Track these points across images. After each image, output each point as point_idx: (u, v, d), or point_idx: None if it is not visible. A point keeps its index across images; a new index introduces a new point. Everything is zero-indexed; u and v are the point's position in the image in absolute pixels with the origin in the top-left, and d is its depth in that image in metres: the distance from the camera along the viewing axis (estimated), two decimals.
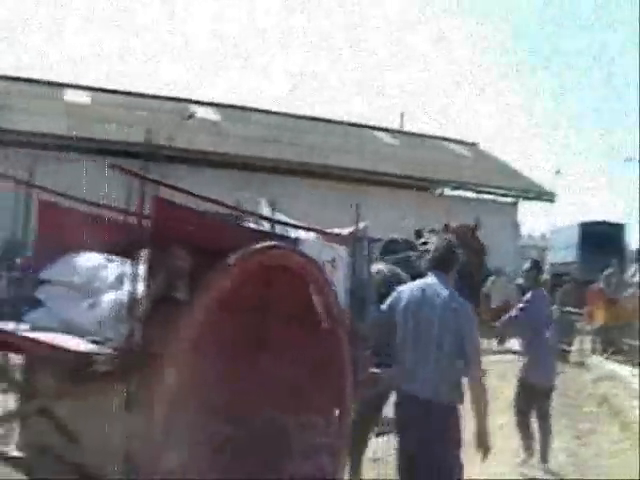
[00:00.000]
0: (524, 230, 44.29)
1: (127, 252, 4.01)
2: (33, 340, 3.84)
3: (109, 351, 3.59)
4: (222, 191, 20.40)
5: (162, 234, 3.73)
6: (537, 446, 8.15)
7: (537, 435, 8.19)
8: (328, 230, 5.30)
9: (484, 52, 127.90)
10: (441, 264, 5.26)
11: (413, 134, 33.43)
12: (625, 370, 13.37)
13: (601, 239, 27.79)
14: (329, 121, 30.98)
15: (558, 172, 42.99)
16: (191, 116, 22.00)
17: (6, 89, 23.56)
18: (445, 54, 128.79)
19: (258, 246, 4.11)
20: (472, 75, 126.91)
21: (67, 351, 3.61)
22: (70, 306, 4.30)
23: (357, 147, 27.10)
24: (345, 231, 5.48)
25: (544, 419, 8.16)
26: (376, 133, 31.54)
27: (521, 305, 8.40)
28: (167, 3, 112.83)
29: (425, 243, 6.75)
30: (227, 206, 4.44)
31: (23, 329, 4.03)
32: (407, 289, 5.25)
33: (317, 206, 22.71)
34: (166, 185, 3.98)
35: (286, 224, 4.85)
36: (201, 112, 25.93)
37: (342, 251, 5.15)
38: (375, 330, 5.25)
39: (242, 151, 23.30)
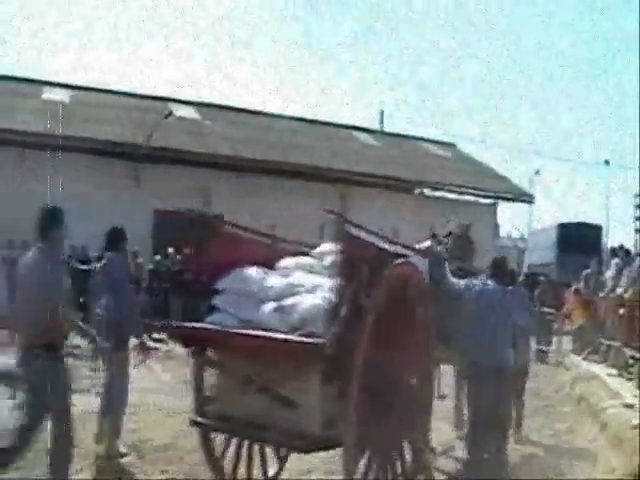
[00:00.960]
0: (503, 231, 44.59)
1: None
2: (259, 336, 5.26)
3: (322, 341, 4.90)
4: (199, 189, 20.49)
5: (349, 257, 5.26)
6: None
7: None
8: (414, 246, 7.04)
9: (462, 49, 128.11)
10: (497, 274, 7.19)
11: (393, 134, 33.54)
12: (603, 370, 13.49)
13: (579, 240, 28.08)
14: (309, 121, 31.05)
15: (537, 173, 43.12)
16: (169, 115, 21.96)
17: None
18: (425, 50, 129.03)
19: (396, 263, 5.76)
20: (450, 73, 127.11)
21: (297, 342, 5.06)
22: (249, 309, 5.64)
23: (337, 147, 27.18)
24: (424, 245, 7.36)
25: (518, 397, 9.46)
26: (356, 133, 31.61)
27: None
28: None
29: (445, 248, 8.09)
30: (374, 233, 5.88)
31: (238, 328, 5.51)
32: (477, 286, 7.06)
33: (297, 205, 22.83)
34: (350, 222, 5.43)
35: (395, 243, 6.36)
36: (180, 111, 25.90)
37: (424, 262, 6.72)
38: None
39: (221, 150, 23.35)
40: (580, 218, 36.81)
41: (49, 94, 25.03)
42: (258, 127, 26.96)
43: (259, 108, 30.60)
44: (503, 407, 6.96)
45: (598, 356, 15.01)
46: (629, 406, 9.97)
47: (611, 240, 32.22)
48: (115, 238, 7.54)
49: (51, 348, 5.44)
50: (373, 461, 5.54)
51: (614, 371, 13.06)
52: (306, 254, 6.37)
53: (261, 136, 25.74)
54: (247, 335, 5.33)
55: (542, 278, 18.80)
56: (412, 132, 35.36)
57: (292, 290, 5.62)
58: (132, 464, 7.13)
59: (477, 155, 33.60)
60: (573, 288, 17.76)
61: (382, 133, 34.07)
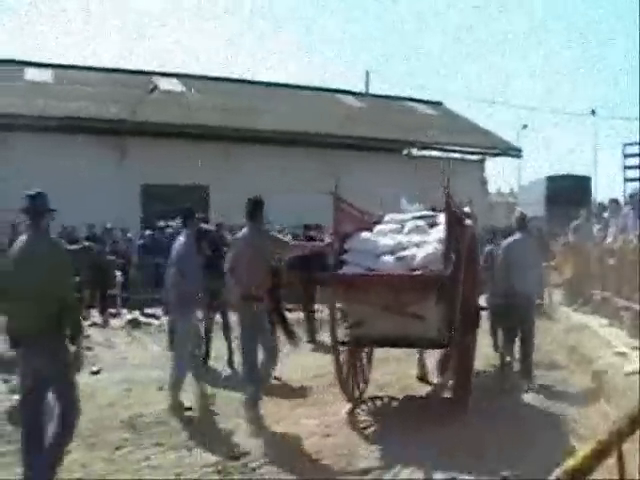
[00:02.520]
0: (492, 187, 44.60)
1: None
2: (395, 275, 8.04)
3: (444, 274, 7.67)
4: (190, 161, 20.40)
5: (453, 221, 8.10)
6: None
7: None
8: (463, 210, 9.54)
9: (445, 2, 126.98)
10: (523, 226, 10.49)
11: (379, 96, 33.37)
12: (594, 320, 13.56)
13: (568, 192, 28.08)
14: (295, 87, 30.93)
15: (524, 127, 43.06)
16: (154, 88, 21.82)
17: None
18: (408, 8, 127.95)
19: (469, 222, 8.82)
20: (434, 30, 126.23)
21: (429, 277, 7.82)
22: (370, 261, 8.24)
23: (324, 112, 27.03)
24: (466, 210, 9.58)
25: None
26: (342, 97, 31.50)
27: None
28: None
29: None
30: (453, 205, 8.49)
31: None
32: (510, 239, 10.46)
33: (287, 172, 22.82)
34: (451, 197, 8.14)
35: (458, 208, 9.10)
36: (164, 84, 25.74)
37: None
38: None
39: (208, 121, 23.20)
40: (569, 170, 36.91)
41: (32, 75, 24.88)
42: (243, 96, 26.82)
43: (243, 76, 30.46)
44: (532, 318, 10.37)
45: (589, 307, 15.08)
46: (621, 354, 10.08)
47: (600, 190, 32.27)
48: (186, 216, 8.76)
49: (260, 298, 8.06)
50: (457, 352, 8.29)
51: (605, 321, 13.14)
52: (378, 222, 9.19)
53: (246, 104, 25.60)
54: (394, 275, 8.05)
55: (534, 231, 18.82)
56: (399, 93, 35.25)
57: (402, 246, 8.36)
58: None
59: (464, 112, 33.51)
60: (563, 240, 17.80)
61: (367, 95, 33.94)
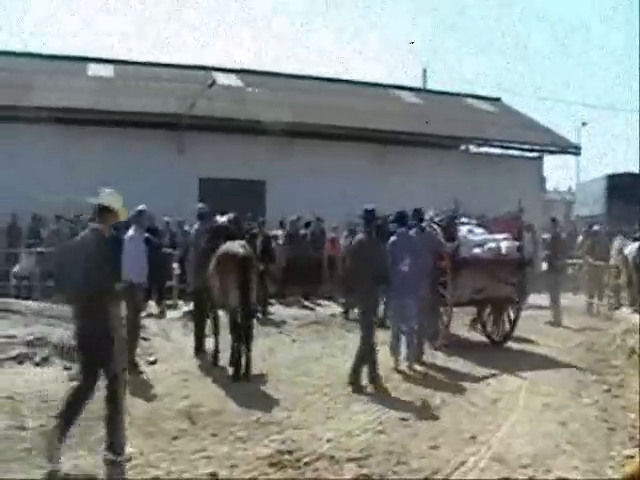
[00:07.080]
0: (550, 184, 43.88)
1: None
2: (503, 259, 12.60)
3: (523, 259, 13.01)
4: (247, 156, 20.50)
5: (521, 224, 13.41)
6: None
7: None
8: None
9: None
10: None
11: (436, 92, 33.19)
12: None
13: (629, 191, 27.47)
14: (351, 82, 30.87)
15: (584, 124, 42.27)
16: (212, 84, 21.94)
17: (29, 66, 23.74)
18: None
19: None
20: (489, 26, 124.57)
21: (517, 260, 12.82)
22: (469, 250, 12.36)
23: (381, 108, 26.94)
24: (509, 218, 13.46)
25: None
26: (399, 92, 31.35)
27: None
28: None
29: None
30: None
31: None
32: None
33: (344, 168, 22.84)
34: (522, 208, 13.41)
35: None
36: (223, 79, 25.90)
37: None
38: None
39: (266, 116, 23.23)
40: (629, 168, 36.15)
41: (94, 70, 25.34)
42: (300, 91, 26.86)
43: (300, 72, 30.48)
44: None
45: None
46: None
47: None
48: (401, 218, 11.04)
49: None
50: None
51: None
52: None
53: (303, 100, 25.67)
54: (503, 259, 12.44)
55: (585, 230, 18.57)
56: (456, 89, 34.94)
57: (484, 241, 12.60)
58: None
59: (523, 108, 33.01)
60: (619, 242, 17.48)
61: (425, 91, 33.76)
